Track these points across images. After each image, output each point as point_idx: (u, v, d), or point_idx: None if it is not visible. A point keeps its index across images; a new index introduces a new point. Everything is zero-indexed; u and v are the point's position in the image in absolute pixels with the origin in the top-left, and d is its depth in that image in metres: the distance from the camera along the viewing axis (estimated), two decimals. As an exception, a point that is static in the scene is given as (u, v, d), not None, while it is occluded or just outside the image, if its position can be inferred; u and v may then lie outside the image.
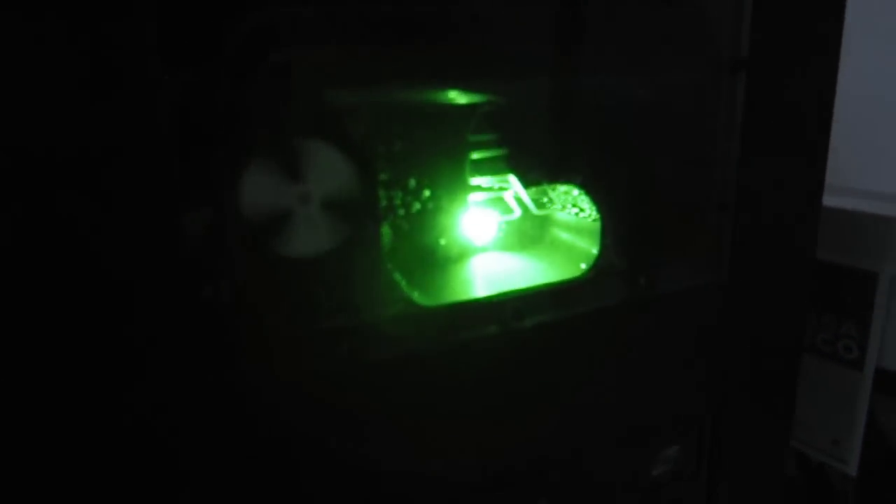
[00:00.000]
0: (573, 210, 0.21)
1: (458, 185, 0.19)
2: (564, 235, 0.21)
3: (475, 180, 0.20)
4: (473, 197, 0.20)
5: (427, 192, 0.19)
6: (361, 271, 0.17)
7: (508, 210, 0.20)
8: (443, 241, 0.20)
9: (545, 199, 0.21)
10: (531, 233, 0.21)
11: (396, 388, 0.17)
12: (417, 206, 0.19)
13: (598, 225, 0.20)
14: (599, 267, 0.20)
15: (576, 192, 0.20)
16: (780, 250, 0.24)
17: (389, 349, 0.17)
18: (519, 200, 0.20)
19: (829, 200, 0.26)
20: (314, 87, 0.15)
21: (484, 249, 0.22)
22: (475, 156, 0.19)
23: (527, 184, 0.19)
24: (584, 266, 0.20)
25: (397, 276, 0.18)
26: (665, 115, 0.20)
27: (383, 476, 0.18)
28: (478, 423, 0.19)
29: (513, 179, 0.20)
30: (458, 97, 0.18)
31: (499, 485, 0.20)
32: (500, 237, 0.22)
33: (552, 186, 0.20)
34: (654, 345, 0.22)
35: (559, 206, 0.21)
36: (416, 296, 0.18)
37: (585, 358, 0.21)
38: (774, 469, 0.28)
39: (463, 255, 0.21)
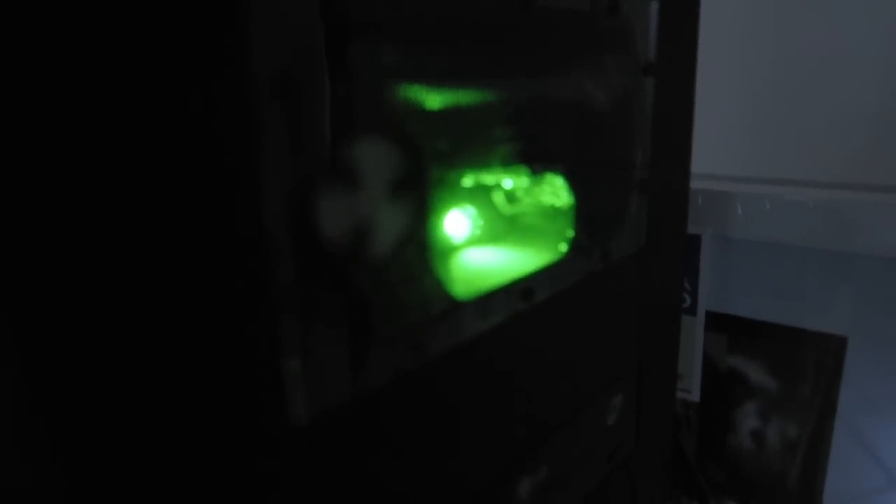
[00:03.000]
0: (541, 200, 0.23)
1: (468, 184, 0.20)
2: (534, 223, 0.23)
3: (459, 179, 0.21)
4: (455, 195, 0.22)
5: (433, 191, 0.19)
6: (417, 272, 0.17)
7: (501, 200, 0.21)
8: (432, 239, 0.21)
9: (516, 195, 0.23)
10: (501, 226, 0.23)
11: (456, 376, 0.18)
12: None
13: (567, 209, 0.23)
14: (574, 246, 0.23)
15: (550, 181, 0.22)
16: (671, 222, 0.30)
17: (443, 343, 0.18)
18: (506, 194, 0.22)
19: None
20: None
21: (464, 245, 0.23)
22: (472, 153, 0.20)
23: (531, 170, 0.21)
24: (561, 247, 0.22)
25: (438, 273, 0.18)
26: (606, 112, 0.24)
27: (455, 455, 0.18)
28: (503, 404, 0.21)
29: (491, 177, 0.22)
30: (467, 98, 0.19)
31: (509, 465, 0.22)
32: (477, 233, 0.23)
33: (534, 179, 0.22)
34: (607, 308, 0.26)
35: (527, 201, 0.23)
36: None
37: (567, 328, 0.23)
38: (669, 406, 0.34)
39: (448, 251, 0.22)
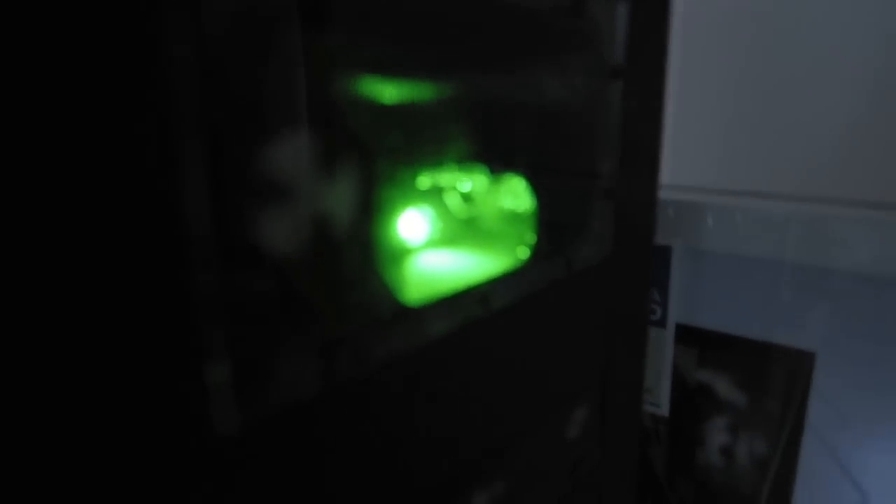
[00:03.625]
0: (499, 204, 0.22)
1: (422, 184, 0.19)
2: (493, 227, 0.22)
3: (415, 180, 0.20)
4: (409, 195, 0.21)
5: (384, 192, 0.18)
6: (361, 274, 0.16)
7: (456, 202, 0.21)
8: (385, 241, 0.20)
9: (472, 197, 0.22)
10: (459, 230, 0.22)
11: (401, 388, 0.17)
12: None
13: (528, 213, 0.22)
14: (536, 252, 0.22)
15: (510, 182, 0.21)
16: (639, 231, 0.29)
17: (390, 351, 0.17)
18: (462, 195, 0.21)
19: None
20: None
21: (420, 248, 0.22)
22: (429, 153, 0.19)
23: (490, 169, 0.20)
24: (521, 253, 0.22)
25: (382, 277, 0.17)
26: (571, 115, 0.23)
27: (396, 472, 0.17)
28: (456, 416, 0.20)
29: (449, 177, 0.21)
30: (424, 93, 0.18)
31: (468, 464, 0.21)
32: (435, 236, 0.22)
33: (493, 179, 0.21)
34: (570, 318, 0.25)
35: (486, 203, 0.22)
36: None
37: (526, 337, 0.22)
38: (636, 420, 0.33)
39: (401, 254, 0.21)
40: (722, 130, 0.54)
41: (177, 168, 0.11)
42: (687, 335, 0.41)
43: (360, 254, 0.16)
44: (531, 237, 0.22)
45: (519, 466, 0.23)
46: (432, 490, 0.19)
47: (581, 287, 0.25)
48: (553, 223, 0.23)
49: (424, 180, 0.20)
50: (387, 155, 0.18)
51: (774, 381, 0.39)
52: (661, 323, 0.41)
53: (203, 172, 0.12)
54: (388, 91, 0.17)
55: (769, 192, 0.42)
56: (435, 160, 0.19)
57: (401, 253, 0.21)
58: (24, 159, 0.10)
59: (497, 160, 0.20)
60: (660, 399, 0.43)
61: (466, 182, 0.21)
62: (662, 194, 0.41)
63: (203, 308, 0.12)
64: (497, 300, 0.20)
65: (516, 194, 0.21)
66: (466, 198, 0.21)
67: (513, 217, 0.22)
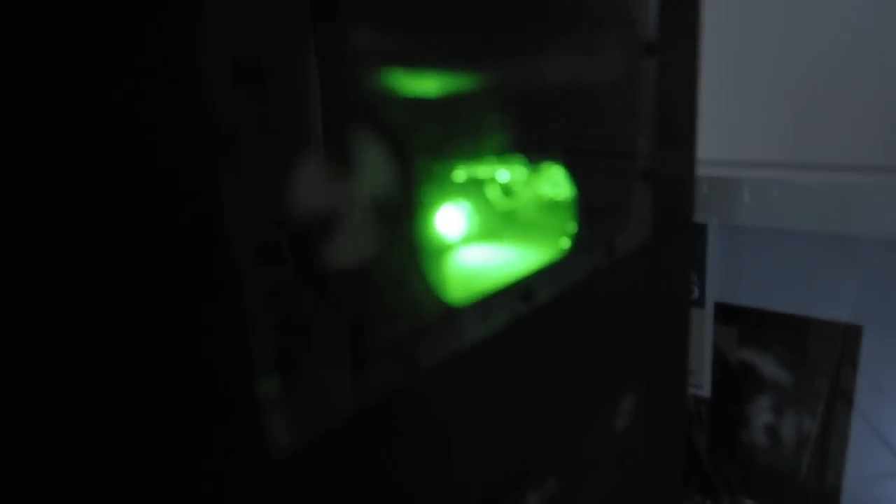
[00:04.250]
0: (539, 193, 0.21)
1: (460, 178, 0.18)
2: (533, 218, 0.22)
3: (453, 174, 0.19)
4: (446, 190, 0.20)
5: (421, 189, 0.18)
6: (407, 277, 0.15)
7: (496, 194, 0.20)
8: (424, 238, 0.19)
9: (511, 189, 0.21)
10: (498, 222, 0.22)
11: (453, 389, 0.17)
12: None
13: (569, 202, 0.21)
14: (577, 242, 0.21)
15: (548, 172, 0.21)
16: (678, 212, 0.28)
17: (439, 354, 0.16)
18: (501, 187, 0.20)
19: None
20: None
21: (459, 244, 0.21)
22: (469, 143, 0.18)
23: (528, 160, 0.19)
24: (562, 244, 0.21)
25: (429, 278, 0.16)
26: (607, 95, 0.22)
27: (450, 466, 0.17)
28: (506, 414, 0.19)
29: (486, 169, 0.20)
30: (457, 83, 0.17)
31: (521, 463, 0.20)
32: (473, 230, 0.21)
33: (531, 170, 0.20)
34: (613, 307, 0.24)
35: (525, 194, 0.21)
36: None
37: (571, 331, 0.22)
38: (682, 406, 0.32)
39: (440, 251, 0.21)
40: (752, 102, 0.53)
41: (228, 184, 0.11)
42: (726, 314, 0.40)
43: (403, 255, 0.16)
44: (572, 226, 0.21)
45: (570, 462, 0.22)
46: (487, 491, 0.19)
47: (623, 274, 0.24)
48: (592, 209, 0.22)
49: (461, 174, 0.19)
50: (423, 150, 0.17)
51: (817, 356, 0.38)
52: (700, 303, 0.41)
53: (252, 187, 0.11)
54: (422, 83, 0.16)
55: (803, 163, 0.41)
56: (472, 152, 0.19)
57: (440, 250, 0.21)
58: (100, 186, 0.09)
59: (535, 149, 0.20)
60: (701, 380, 0.42)
61: (504, 173, 0.20)
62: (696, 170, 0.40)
63: (252, 320, 0.12)
64: (541, 294, 0.19)
65: (555, 183, 0.21)
66: (505, 189, 0.21)
67: (552, 206, 0.21)
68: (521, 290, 0.19)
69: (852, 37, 0.48)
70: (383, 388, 0.15)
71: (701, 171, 0.39)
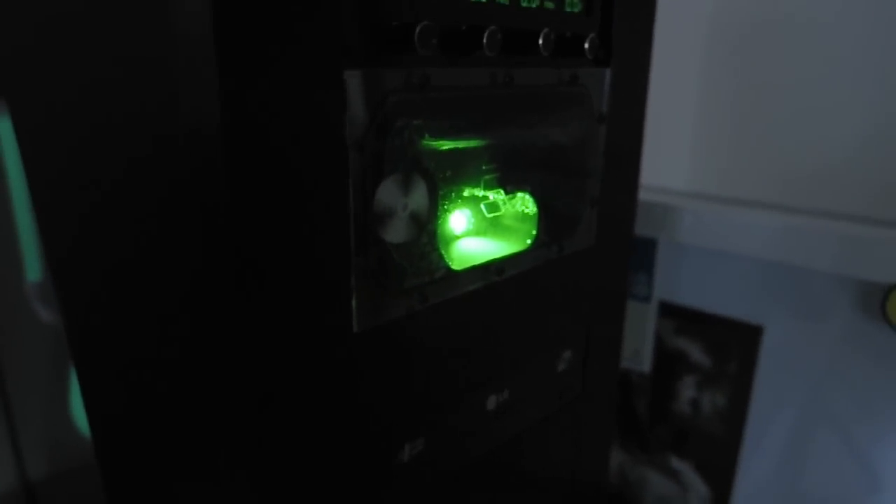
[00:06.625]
0: (515, 209, 0.33)
1: (463, 197, 0.30)
2: (509, 224, 0.34)
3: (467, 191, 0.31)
4: (456, 202, 0.32)
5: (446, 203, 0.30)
6: (427, 251, 0.28)
7: (485, 209, 0.32)
8: (441, 230, 0.31)
9: (497, 205, 0.33)
10: (487, 225, 0.34)
11: (447, 320, 0.29)
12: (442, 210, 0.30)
13: (533, 215, 0.33)
14: (536, 241, 0.33)
15: (521, 197, 0.33)
16: (620, 224, 0.40)
17: (441, 296, 0.28)
18: (488, 205, 0.32)
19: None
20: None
21: (463, 235, 0.33)
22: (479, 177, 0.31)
23: (504, 189, 0.31)
24: (528, 241, 0.33)
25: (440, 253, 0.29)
26: (568, 152, 0.34)
27: (447, 377, 0.29)
28: (480, 342, 0.31)
29: (481, 192, 0.32)
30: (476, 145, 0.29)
31: (481, 383, 0.32)
32: (472, 228, 0.33)
33: (509, 195, 0.32)
34: (562, 287, 0.36)
35: (505, 209, 0.33)
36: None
37: (529, 297, 0.34)
38: (614, 367, 0.44)
39: (451, 239, 0.33)
40: (707, 145, 0.64)
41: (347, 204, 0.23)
42: (668, 310, 0.52)
43: (429, 239, 0.28)
44: (534, 231, 0.33)
45: (521, 383, 0.35)
46: (464, 388, 0.31)
47: (569, 266, 0.36)
48: (550, 222, 0.34)
49: (466, 194, 0.31)
50: (444, 181, 0.29)
51: (731, 348, 0.50)
52: (647, 299, 0.52)
53: (353, 203, 0.24)
54: (448, 145, 0.28)
55: (736, 198, 0.52)
56: (473, 183, 0.31)
57: (451, 238, 0.33)
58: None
59: (512, 182, 0.32)
60: (643, 359, 0.54)
61: (491, 195, 0.32)
62: (651, 197, 0.51)
63: (353, 271, 0.24)
64: (508, 271, 0.32)
65: (525, 203, 0.33)
66: (491, 206, 0.33)
67: (523, 217, 0.33)
68: (496, 267, 0.31)
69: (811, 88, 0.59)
70: (407, 310, 0.27)
71: (655, 197, 0.51)
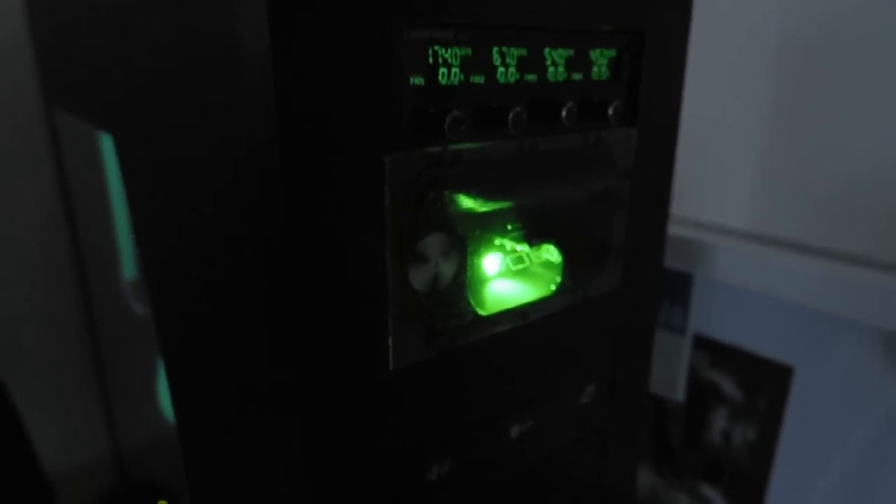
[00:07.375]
0: (542, 257, 0.37)
1: (494, 248, 0.34)
2: (536, 270, 0.37)
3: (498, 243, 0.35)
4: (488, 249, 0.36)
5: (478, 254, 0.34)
6: (456, 300, 0.32)
7: (511, 262, 0.36)
8: (474, 273, 0.35)
9: (522, 258, 0.37)
10: (516, 270, 0.37)
11: (474, 360, 0.33)
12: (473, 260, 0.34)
13: (558, 264, 0.36)
14: (561, 287, 0.36)
15: (546, 248, 0.36)
16: (647, 267, 0.42)
17: (468, 339, 0.32)
18: (514, 258, 0.36)
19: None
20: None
21: (493, 277, 0.37)
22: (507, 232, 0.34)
23: (529, 243, 0.35)
24: (552, 287, 0.36)
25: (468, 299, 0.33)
26: (593, 204, 0.37)
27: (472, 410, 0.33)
28: (505, 379, 0.35)
29: (511, 243, 0.36)
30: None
31: (512, 407, 0.36)
32: (502, 272, 0.37)
33: (533, 248, 0.36)
34: (587, 328, 0.39)
35: (532, 256, 0.37)
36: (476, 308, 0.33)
37: (553, 338, 0.37)
38: (641, 398, 0.47)
39: (484, 281, 0.37)
40: (747, 187, 0.65)
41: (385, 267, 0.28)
42: (703, 343, 0.54)
43: (459, 289, 0.32)
44: (558, 277, 0.36)
45: (544, 413, 0.38)
46: (488, 418, 0.35)
47: (595, 308, 0.39)
48: (574, 269, 0.37)
49: (497, 244, 0.35)
50: (473, 238, 0.33)
51: (763, 385, 0.51)
52: (683, 332, 0.54)
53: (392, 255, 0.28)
54: (476, 209, 0.32)
55: (773, 238, 0.53)
56: (502, 235, 0.34)
57: (484, 280, 0.37)
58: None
59: (536, 236, 0.35)
60: (678, 389, 0.56)
61: (518, 245, 0.36)
62: (688, 233, 0.53)
63: (391, 315, 0.29)
64: (533, 314, 0.35)
65: (549, 253, 0.36)
66: (517, 258, 0.36)
67: (548, 264, 0.37)
68: (521, 312, 0.35)
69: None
70: (437, 351, 0.31)
71: (693, 234, 0.53)
